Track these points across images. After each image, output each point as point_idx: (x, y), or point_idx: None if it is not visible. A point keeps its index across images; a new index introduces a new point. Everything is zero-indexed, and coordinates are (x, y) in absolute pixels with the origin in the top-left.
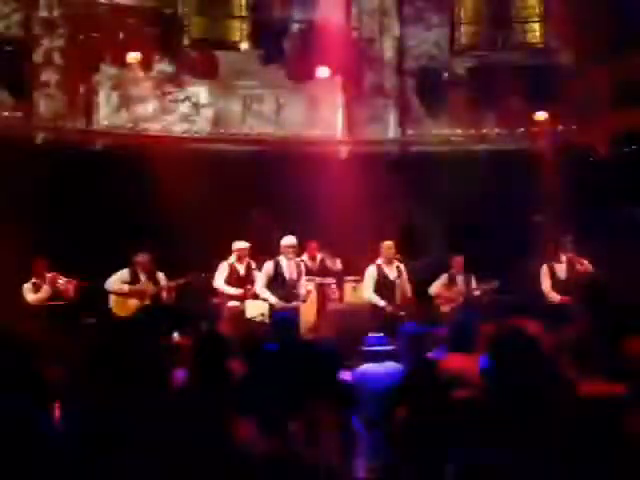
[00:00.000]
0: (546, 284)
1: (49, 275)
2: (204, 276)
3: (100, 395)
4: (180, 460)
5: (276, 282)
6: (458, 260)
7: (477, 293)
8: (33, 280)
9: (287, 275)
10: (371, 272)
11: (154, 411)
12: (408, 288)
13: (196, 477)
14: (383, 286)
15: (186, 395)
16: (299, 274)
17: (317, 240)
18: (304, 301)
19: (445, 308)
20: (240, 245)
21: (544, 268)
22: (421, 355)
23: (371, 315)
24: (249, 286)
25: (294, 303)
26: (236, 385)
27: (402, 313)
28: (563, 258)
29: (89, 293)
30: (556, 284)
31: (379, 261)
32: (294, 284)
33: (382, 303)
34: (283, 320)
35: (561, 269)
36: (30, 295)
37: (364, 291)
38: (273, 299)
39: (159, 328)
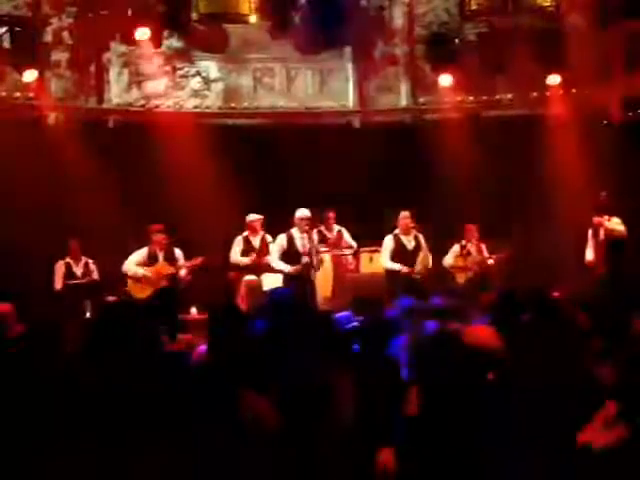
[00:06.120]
0: (589, 246)
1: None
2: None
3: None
4: (192, 436)
5: (290, 255)
6: (471, 228)
7: (491, 261)
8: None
9: (300, 248)
10: (388, 242)
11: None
12: (429, 258)
13: (207, 452)
14: (401, 256)
15: (201, 370)
16: (312, 246)
17: (334, 211)
18: (317, 269)
19: (460, 278)
20: (252, 217)
21: (590, 232)
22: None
23: (387, 282)
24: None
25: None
26: (251, 357)
27: (417, 276)
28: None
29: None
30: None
31: (396, 231)
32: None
33: (397, 266)
34: (278, 298)
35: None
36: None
37: (381, 261)
38: (287, 267)
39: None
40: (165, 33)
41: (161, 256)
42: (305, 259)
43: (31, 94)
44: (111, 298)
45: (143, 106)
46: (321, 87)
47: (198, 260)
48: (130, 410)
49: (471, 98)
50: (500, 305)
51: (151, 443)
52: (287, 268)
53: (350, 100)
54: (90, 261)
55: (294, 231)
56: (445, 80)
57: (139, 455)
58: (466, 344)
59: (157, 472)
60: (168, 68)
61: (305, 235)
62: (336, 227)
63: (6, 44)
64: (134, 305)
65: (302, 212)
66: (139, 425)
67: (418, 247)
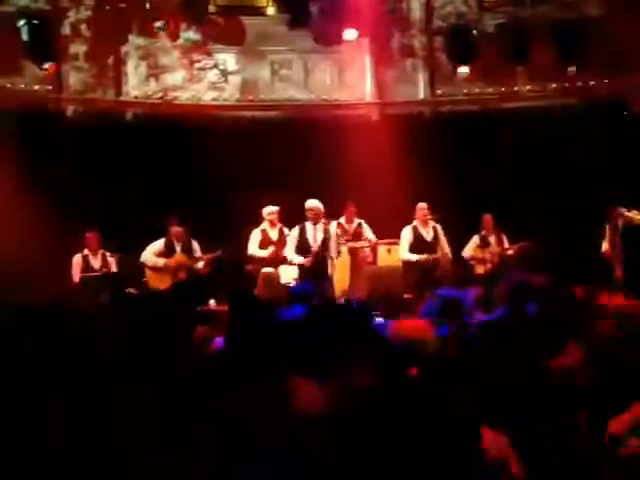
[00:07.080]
0: (606, 240)
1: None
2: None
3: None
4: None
5: (302, 246)
6: (488, 219)
7: (511, 252)
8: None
9: (311, 240)
10: (406, 233)
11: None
12: (447, 249)
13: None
14: (419, 247)
15: (223, 359)
16: (326, 239)
17: (355, 204)
18: (337, 255)
19: (480, 269)
20: (270, 210)
21: (606, 228)
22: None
23: (405, 275)
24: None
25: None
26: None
27: (436, 261)
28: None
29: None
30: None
31: (414, 223)
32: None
33: (416, 257)
34: (300, 292)
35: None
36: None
37: (400, 252)
38: (299, 259)
39: (194, 301)
40: (183, 26)
41: (178, 247)
42: (315, 248)
43: (49, 87)
44: (131, 290)
45: (161, 98)
46: (339, 79)
47: (215, 253)
48: (147, 403)
49: (490, 89)
50: (510, 297)
51: (163, 437)
52: (300, 260)
53: (368, 92)
54: (108, 253)
55: (307, 223)
56: (463, 72)
57: (152, 450)
58: (394, 337)
59: (165, 471)
60: (186, 61)
61: (317, 227)
62: (356, 220)
63: (24, 37)
64: (157, 297)
65: (310, 203)
66: (156, 418)
67: (436, 238)
